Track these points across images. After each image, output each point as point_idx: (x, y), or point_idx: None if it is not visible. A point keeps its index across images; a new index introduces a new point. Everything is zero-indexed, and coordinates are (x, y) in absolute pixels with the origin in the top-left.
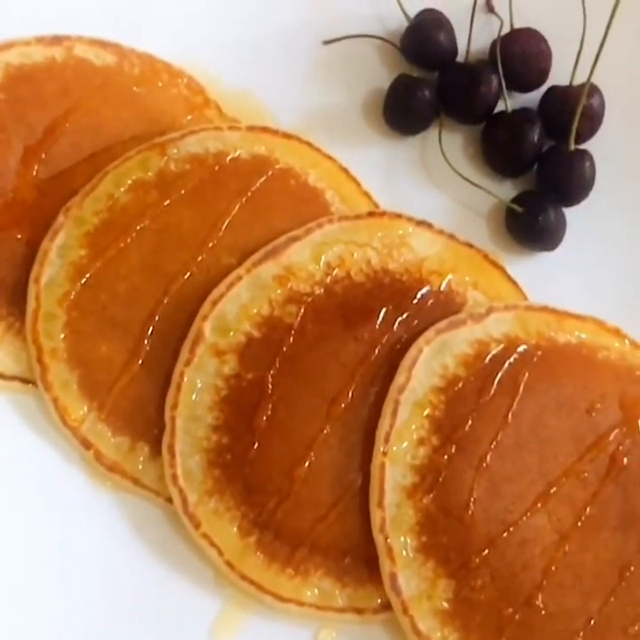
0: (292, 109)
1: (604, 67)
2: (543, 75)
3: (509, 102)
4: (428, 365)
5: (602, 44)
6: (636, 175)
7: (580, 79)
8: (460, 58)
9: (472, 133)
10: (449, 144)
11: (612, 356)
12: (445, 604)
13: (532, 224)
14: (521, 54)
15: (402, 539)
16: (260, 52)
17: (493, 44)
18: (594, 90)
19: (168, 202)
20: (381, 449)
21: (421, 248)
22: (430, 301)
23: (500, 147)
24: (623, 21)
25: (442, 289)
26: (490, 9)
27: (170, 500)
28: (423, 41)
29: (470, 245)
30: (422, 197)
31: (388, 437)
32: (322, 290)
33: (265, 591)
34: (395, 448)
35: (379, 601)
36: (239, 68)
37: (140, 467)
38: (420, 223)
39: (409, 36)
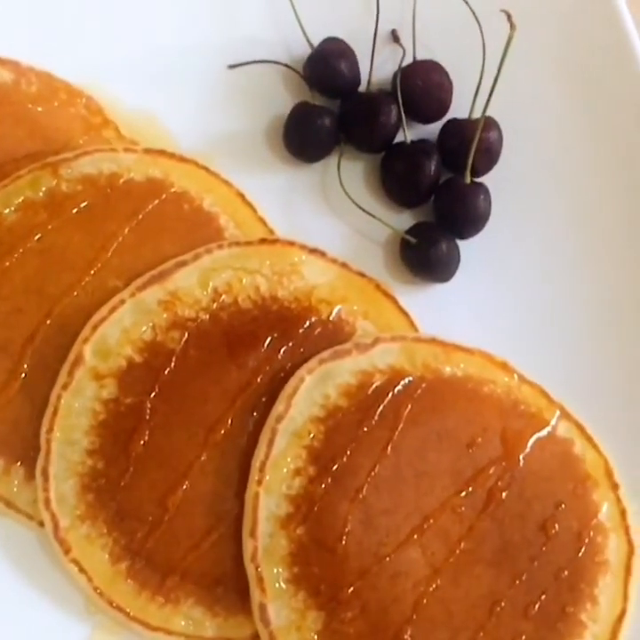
0: (194, 133)
1: (503, 101)
2: (443, 107)
3: (411, 133)
4: (309, 395)
5: (496, 79)
6: (531, 210)
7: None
8: (364, 87)
9: (373, 162)
10: (349, 172)
11: (497, 390)
12: (314, 636)
13: (425, 255)
14: (421, 86)
15: (273, 569)
16: (164, 74)
17: (395, 74)
18: (492, 124)
19: (56, 222)
20: (256, 478)
21: (313, 276)
22: (318, 330)
23: (398, 177)
24: (521, 57)
25: (331, 318)
26: (395, 39)
27: (43, 523)
28: (325, 69)
29: (363, 275)
30: (320, 225)
31: (264, 467)
32: (207, 316)
33: (133, 619)
34: (269, 477)
35: (249, 632)
36: (141, 90)
37: (15, 489)
38: (313, 251)
39: (311, 63)
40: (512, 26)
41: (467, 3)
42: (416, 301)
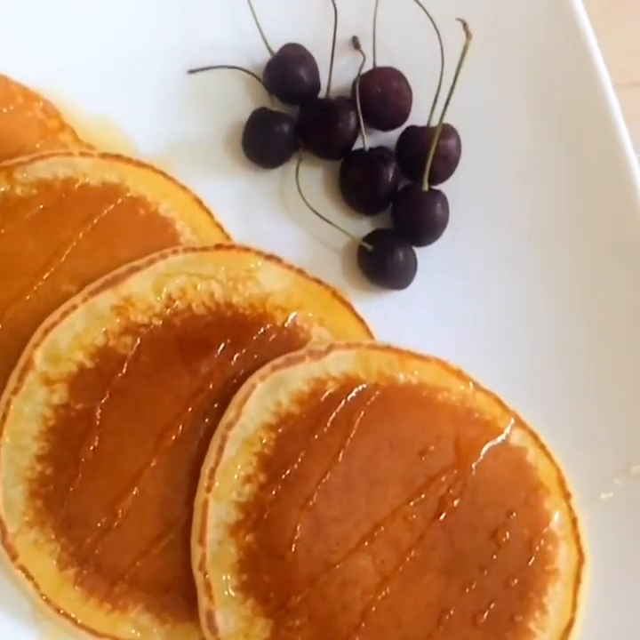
0: (153, 138)
1: (463, 109)
2: (402, 114)
3: (371, 140)
4: (261, 402)
5: (452, 88)
6: (489, 217)
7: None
8: (324, 93)
9: (331, 169)
10: (309, 179)
11: (452, 398)
12: None
13: (381, 262)
14: (380, 93)
15: (222, 576)
16: (122, 78)
17: (354, 81)
18: (450, 131)
19: (10, 226)
20: (205, 485)
21: (268, 282)
22: (272, 337)
23: (356, 184)
24: (481, 65)
25: (286, 325)
26: (356, 46)
27: None
28: (284, 75)
29: (319, 281)
30: (278, 231)
31: (213, 474)
32: (160, 322)
33: (80, 626)
34: (218, 484)
35: (197, 639)
36: (100, 94)
37: None
38: (269, 257)
39: (270, 69)
40: (468, 34)
41: (425, 11)
42: (373, 308)
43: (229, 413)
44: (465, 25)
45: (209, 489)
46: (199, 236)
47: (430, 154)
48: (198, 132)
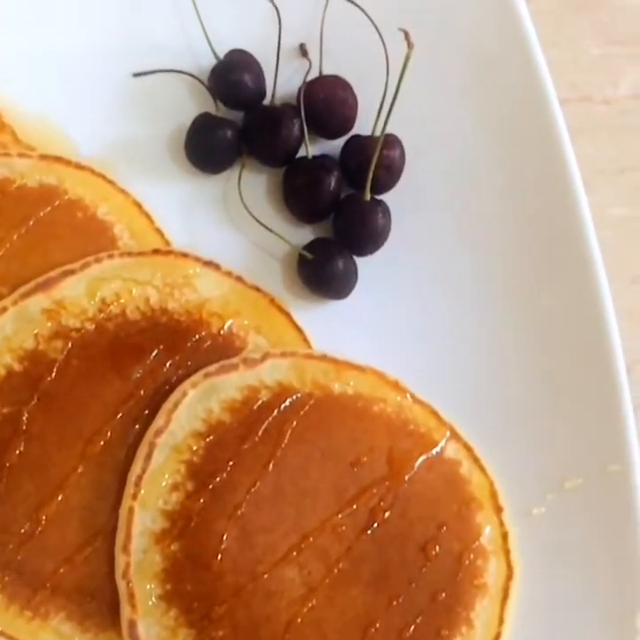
0: (94, 140)
1: (408, 119)
2: (347, 123)
3: (315, 148)
4: (192, 409)
5: (394, 98)
6: (431, 229)
7: (389, 130)
8: (269, 100)
9: (275, 176)
10: (253, 186)
11: (388, 409)
12: None
13: (320, 272)
14: (324, 101)
15: (146, 585)
16: (65, 79)
17: (300, 88)
18: (394, 141)
19: None
20: (131, 492)
21: (206, 289)
22: (207, 344)
23: (298, 192)
24: (426, 75)
25: (222, 332)
26: (303, 53)
27: None
28: (228, 81)
29: (257, 289)
30: (219, 237)
31: (140, 481)
32: (93, 326)
33: (0, 633)
34: (144, 492)
35: None
36: (41, 94)
37: None
38: (208, 263)
39: (215, 74)
40: (409, 45)
41: (371, 20)
42: (311, 318)
43: (159, 420)
44: (407, 35)
45: (135, 496)
46: (138, 240)
47: (373, 163)
48: (141, 136)
